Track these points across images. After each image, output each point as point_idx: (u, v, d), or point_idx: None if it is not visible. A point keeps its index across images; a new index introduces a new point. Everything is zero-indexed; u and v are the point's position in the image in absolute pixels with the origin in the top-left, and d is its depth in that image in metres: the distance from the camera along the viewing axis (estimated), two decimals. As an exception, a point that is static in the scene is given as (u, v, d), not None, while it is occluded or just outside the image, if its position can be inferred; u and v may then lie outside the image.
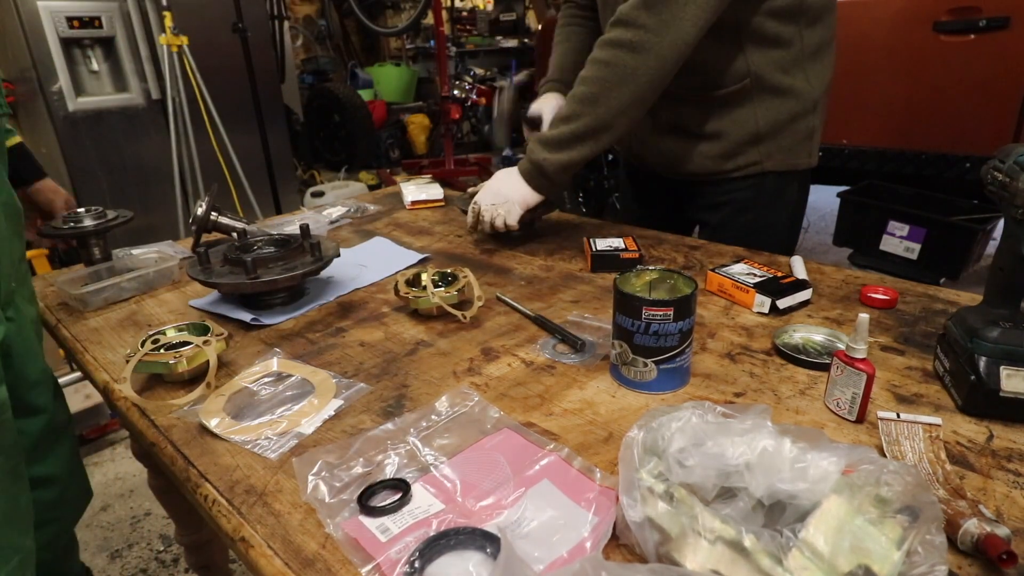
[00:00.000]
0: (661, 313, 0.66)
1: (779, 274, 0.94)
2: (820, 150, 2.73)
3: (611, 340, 0.72)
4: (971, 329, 0.65)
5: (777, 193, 1.20)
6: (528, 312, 0.91)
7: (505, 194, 1.14)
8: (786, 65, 1.10)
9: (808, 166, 1.21)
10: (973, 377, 0.63)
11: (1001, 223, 2.40)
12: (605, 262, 1.07)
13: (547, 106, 1.30)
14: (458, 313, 0.88)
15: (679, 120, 1.20)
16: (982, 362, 0.63)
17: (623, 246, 1.08)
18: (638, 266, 0.74)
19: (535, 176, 1.11)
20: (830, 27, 1.15)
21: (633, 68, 0.99)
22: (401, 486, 0.56)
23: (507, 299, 0.95)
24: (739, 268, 0.97)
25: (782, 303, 0.89)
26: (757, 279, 0.93)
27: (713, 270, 0.97)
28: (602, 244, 1.10)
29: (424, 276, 0.95)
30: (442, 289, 0.92)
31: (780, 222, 1.25)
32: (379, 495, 0.56)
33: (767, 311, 0.89)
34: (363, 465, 0.59)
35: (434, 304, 0.89)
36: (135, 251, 1.21)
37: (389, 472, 0.58)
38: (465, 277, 0.94)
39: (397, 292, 0.92)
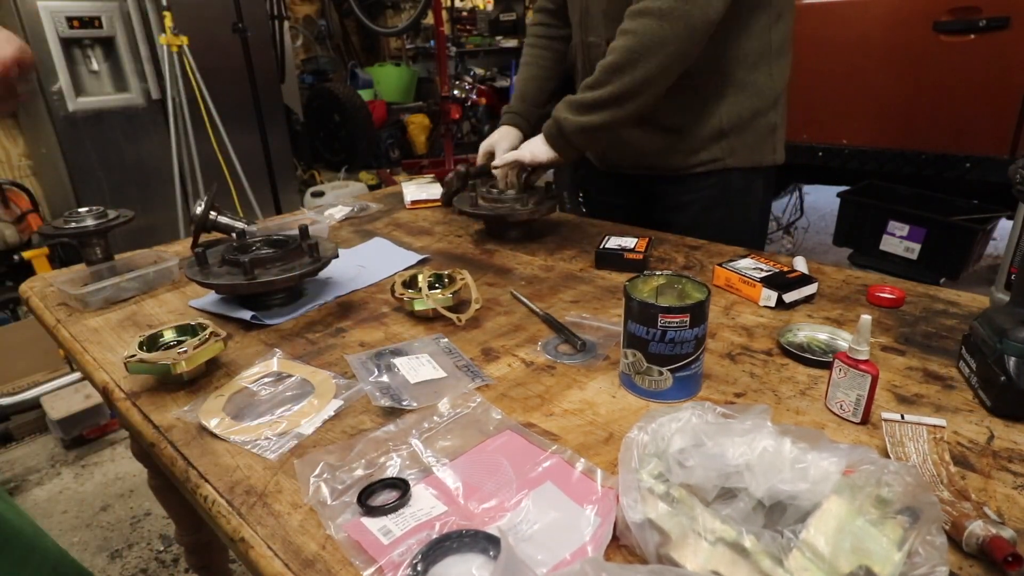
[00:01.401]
0: (677, 320, 0.65)
1: (785, 269, 0.95)
2: (820, 150, 2.73)
3: (622, 349, 0.71)
4: (1000, 330, 0.65)
5: (744, 191, 1.23)
6: (538, 310, 0.91)
7: (523, 146, 1.19)
8: (754, 60, 1.13)
9: (773, 163, 1.23)
10: (1003, 378, 0.63)
11: (1001, 223, 2.40)
12: (609, 260, 1.08)
13: (503, 142, 1.32)
14: (453, 316, 0.88)
15: (644, 119, 1.20)
16: (1012, 362, 0.63)
17: (631, 247, 1.08)
18: (644, 271, 0.74)
19: (554, 134, 1.13)
20: (791, 24, 1.17)
21: (661, 37, 0.99)
22: (401, 485, 0.56)
23: (521, 297, 0.96)
24: (745, 263, 0.99)
25: (788, 297, 0.89)
26: (764, 274, 0.93)
27: (720, 265, 0.98)
28: (612, 243, 1.10)
29: (420, 278, 0.94)
30: (438, 291, 0.92)
31: (749, 219, 1.27)
32: (379, 494, 0.56)
33: (773, 305, 0.90)
34: (365, 467, 0.59)
35: (429, 307, 0.89)
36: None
37: (391, 474, 0.58)
38: (463, 279, 0.94)
39: (394, 293, 0.92)
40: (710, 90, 1.15)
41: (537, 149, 1.16)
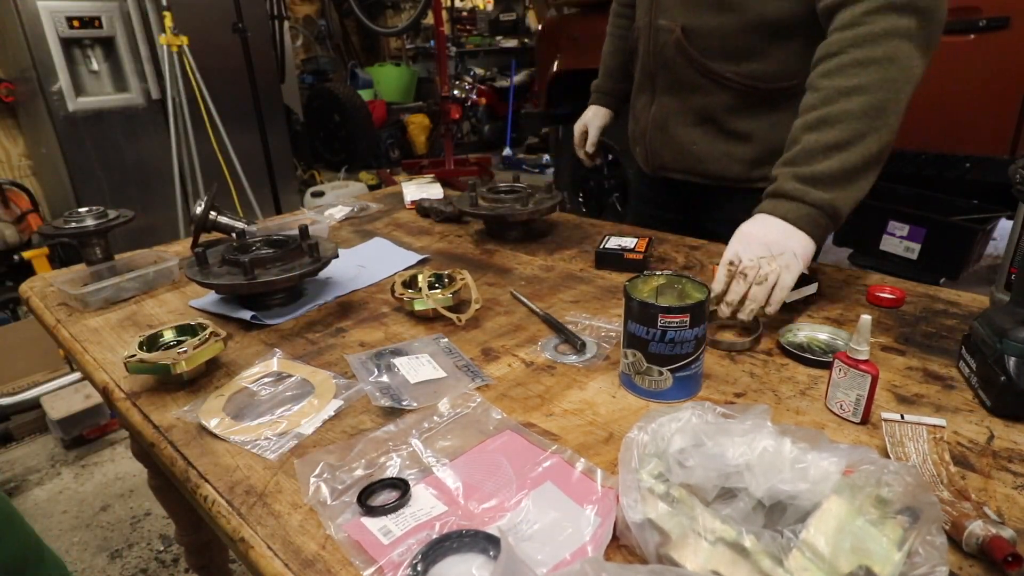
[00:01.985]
0: (677, 320, 0.65)
1: None
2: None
3: (622, 349, 0.71)
4: (1000, 330, 0.65)
5: None
6: (538, 310, 0.91)
7: (774, 248, 0.81)
8: None
9: None
10: (1003, 378, 0.63)
11: (1001, 223, 2.39)
12: (608, 260, 1.08)
13: (596, 121, 1.35)
14: (452, 316, 0.88)
15: (713, 110, 1.09)
16: (1012, 362, 0.63)
17: (631, 247, 1.08)
18: (644, 271, 0.74)
19: (823, 223, 0.82)
20: None
21: (912, 64, 0.80)
22: (400, 485, 0.56)
23: (521, 297, 0.96)
24: None
25: (788, 297, 0.89)
26: None
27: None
28: (613, 242, 1.10)
29: (420, 278, 0.94)
30: (438, 291, 0.92)
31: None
32: (378, 494, 0.56)
33: None
34: (365, 467, 0.59)
35: (429, 307, 0.89)
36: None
37: (391, 474, 0.58)
38: (463, 279, 0.94)
39: (393, 293, 0.92)
40: (787, 98, 1.02)
41: (805, 249, 0.82)
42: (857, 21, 0.80)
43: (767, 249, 0.81)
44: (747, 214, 0.88)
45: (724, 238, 0.88)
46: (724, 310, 0.80)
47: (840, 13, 0.83)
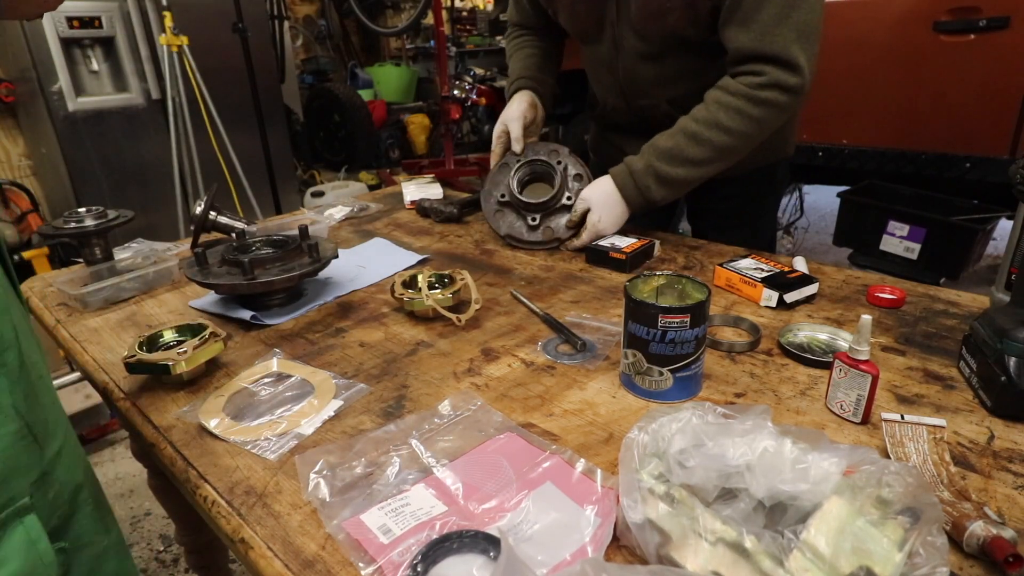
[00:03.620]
0: (678, 320, 0.65)
1: (786, 269, 0.95)
2: (820, 150, 2.74)
3: (623, 350, 0.71)
4: (1001, 330, 0.65)
5: (768, 185, 1.24)
6: (538, 310, 0.91)
7: (603, 208, 1.12)
8: None
9: (785, 156, 1.24)
10: (1004, 378, 0.63)
11: (1001, 223, 2.39)
12: (595, 256, 1.10)
13: (514, 118, 1.24)
14: (452, 316, 0.88)
15: None
16: (1012, 363, 0.63)
17: (620, 246, 1.08)
18: (644, 272, 0.74)
19: (640, 204, 1.10)
20: None
21: (772, 127, 1.02)
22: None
23: (521, 296, 0.96)
24: (746, 263, 0.99)
25: (789, 297, 0.89)
26: (764, 274, 0.93)
27: (721, 265, 0.98)
28: (607, 241, 1.11)
29: (420, 278, 0.94)
30: (437, 291, 0.92)
31: (768, 212, 1.30)
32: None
33: (774, 305, 0.90)
34: (365, 466, 0.59)
35: (428, 307, 0.89)
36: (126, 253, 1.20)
37: (391, 474, 0.58)
38: (463, 279, 0.94)
39: (393, 293, 0.92)
40: None
41: (617, 214, 1.12)
42: (755, 83, 1.00)
43: (591, 203, 1.12)
44: (718, 202, 1.25)
45: (702, 229, 1.29)
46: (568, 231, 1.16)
47: (747, 66, 1.01)
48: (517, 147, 1.22)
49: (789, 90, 0.98)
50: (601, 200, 1.12)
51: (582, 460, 0.58)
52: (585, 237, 1.13)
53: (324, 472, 0.58)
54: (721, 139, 1.02)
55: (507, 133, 1.24)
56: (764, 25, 0.96)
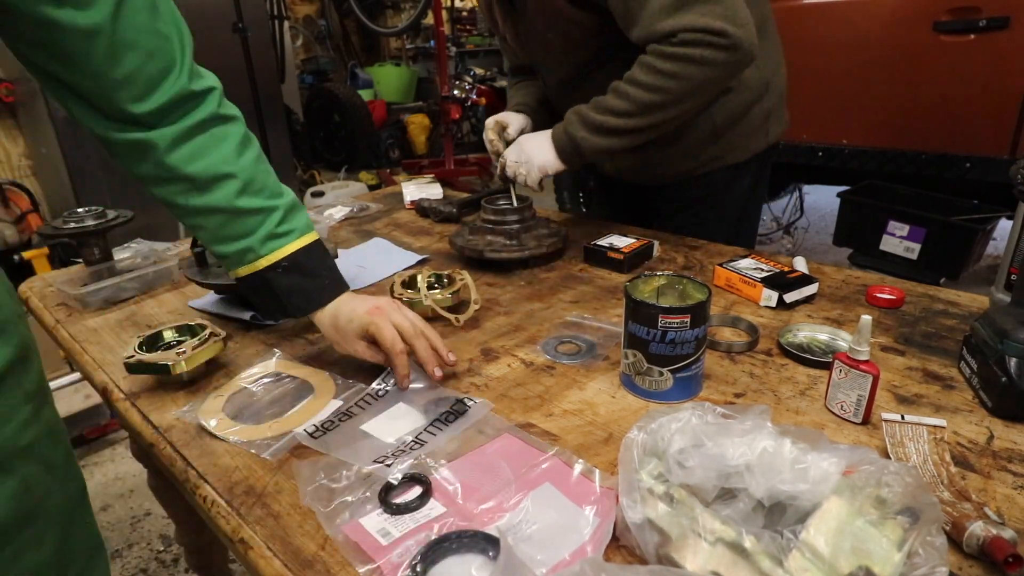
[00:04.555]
0: (678, 321, 0.65)
1: (785, 269, 0.95)
2: (820, 150, 2.72)
3: (623, 350, 0.71)
4: (1001, 330, 0.65)
5: (736, 180, 1.23)
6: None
7: (528, 154, 1.12)
8: None
9: (766, 146, 1.22)
10: (1004, 379, 0.63)
11: (1001, 223, 2.39)
12: (593, 256, 1.10)
13: (515, 121, 1.27)
14: (451, 317, 0.88)
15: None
16: (1013, 363, 0.63)
17: (619, 246, 1.08)
18: (645, 272, 0.74)
19: (568, 151, 1.09)
20: (762, 3, 1.13)
21: (703, 81, 0.97)
22: (421, 482, 0.56)
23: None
24: (746, 263, 0.99)
25: (789, 297, 0.89)
26: (764, 274, 0.93)
27: (721, 265, 0.98)
28: (606, 240, 1.11)
29: (419, 278, 0.94)
30: (437, 292, 0.92)
31: (744, 209, 1.28)
32: (399, 491, 0.56)
33: (774, 305, 0.90)
34: (363, 468, 0.59)
35: (427, 307, 0.88)
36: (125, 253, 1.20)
37: (389, 475, 0.58)
38: (462, 280, 0.94)
39: (392, 293, 0.92)
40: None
41: (547, 161, 1.11)
42: (671, 41, 0.96)
43: (520, 155, 1.13)
44: (690, 196, 1.24)
45: (679, 224, 1.26)
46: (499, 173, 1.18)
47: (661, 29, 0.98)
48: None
49: (712, 46, 0.94)
50: (528, 140, 1.14)
51: (580, 460, 0.58)
52: (506, 154, 1.15)
53: (322, 475, 0.58)
54: (637, 93, 1.00)
55: (498, 125, 1.26)
56: (652, 12, 0.96)
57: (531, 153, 1.13)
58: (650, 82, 0.99)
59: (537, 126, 1.30)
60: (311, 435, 0.65)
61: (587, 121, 1.06)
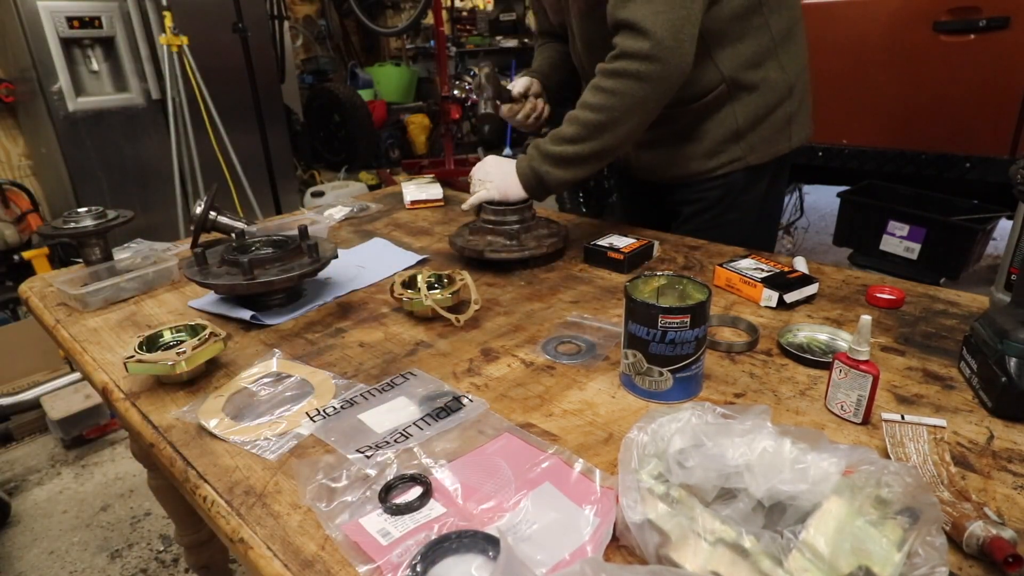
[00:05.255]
0: (678, 321, 0.65)
1: (786, 269, 0.95)
2: (820, 150, 2.73)
3: (623, 350, 0.71)
4: (1001, 331, 0.65)
5: (756, 183, 1.23)
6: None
7: (493, 178, 1.14)
8: (758, 59, 1.11)
9: (788, 149, 1.23)
10: (1004, 379, 0.63)
11: (1001, 223, 2.39)
12: (593, 256, 1.10)
13: (521, 80, 1.34)
14: (451, 316, 0.88)
15: (660, 137, 1.21)
16: (1013, 363, 0.63)
17: (619, 246, 1.08)
18: (645, 272, 0.74)
19: (533, 184, 1.11)
20: (794, 6, 1.15)
21: (643, 97, 1.00)
22: (421, 482, 0.56)
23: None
24: (746, 263, 0.99)
25: (789, 297, 0.89)
26: (764, 274, 0.93)
27: (721, 265, 0.98)
28: (606, 241, 1.11)
29: (419, 278, 0.94)
30: (437, 292, 0.92)
31: (764, 210, 1.28)
32: (397, 491, 0.56)
33: (774, 305, 0.89)
34: (362, 468, 0.59)
35: (427, 307, 0.89)
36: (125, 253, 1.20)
37: (390, 475, 0.58)
38: (462, 280, 0.94)
39: (393, 294, 0.92)
40: (721, 101, 1.14)
41: (510, 190, 1.12)
42: (609, 57, 1.01)
43: (486, 177, 1.14)
44: (708, 195, 1.23)
45: (696, 224, 1.26)
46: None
47: (614, 39, 1.02)
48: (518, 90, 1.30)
49: (637, 56, 0.97)
50: (496, 165, 1.15)
51: (580, 460, 0.58)
52: (472, 199, 1.15)
53: (322, 475, 0.58)
54: (585, 115, 1.03)
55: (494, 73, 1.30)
56: None
57: (494, 177, 1.14)
58: (596, 102, 1.02)
59: (546, 90, 1.36)
60: (311, 419, 0.67)
61: (547, 155, 1.08)
